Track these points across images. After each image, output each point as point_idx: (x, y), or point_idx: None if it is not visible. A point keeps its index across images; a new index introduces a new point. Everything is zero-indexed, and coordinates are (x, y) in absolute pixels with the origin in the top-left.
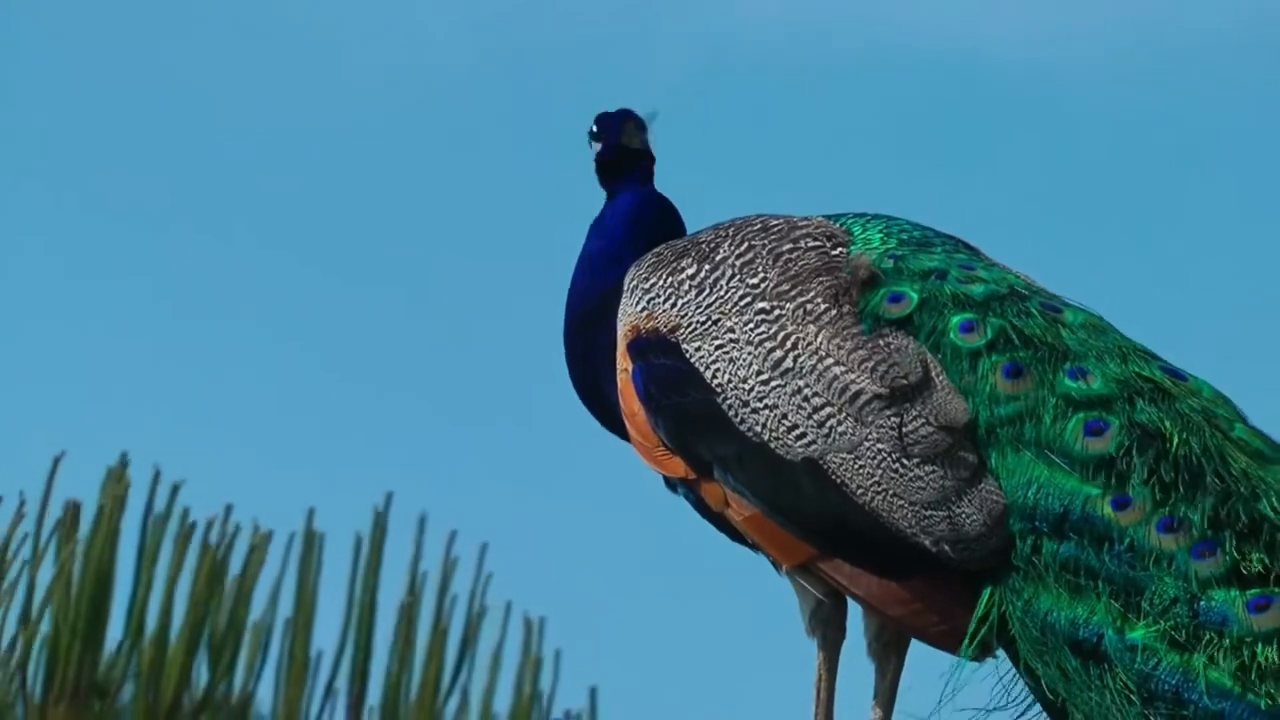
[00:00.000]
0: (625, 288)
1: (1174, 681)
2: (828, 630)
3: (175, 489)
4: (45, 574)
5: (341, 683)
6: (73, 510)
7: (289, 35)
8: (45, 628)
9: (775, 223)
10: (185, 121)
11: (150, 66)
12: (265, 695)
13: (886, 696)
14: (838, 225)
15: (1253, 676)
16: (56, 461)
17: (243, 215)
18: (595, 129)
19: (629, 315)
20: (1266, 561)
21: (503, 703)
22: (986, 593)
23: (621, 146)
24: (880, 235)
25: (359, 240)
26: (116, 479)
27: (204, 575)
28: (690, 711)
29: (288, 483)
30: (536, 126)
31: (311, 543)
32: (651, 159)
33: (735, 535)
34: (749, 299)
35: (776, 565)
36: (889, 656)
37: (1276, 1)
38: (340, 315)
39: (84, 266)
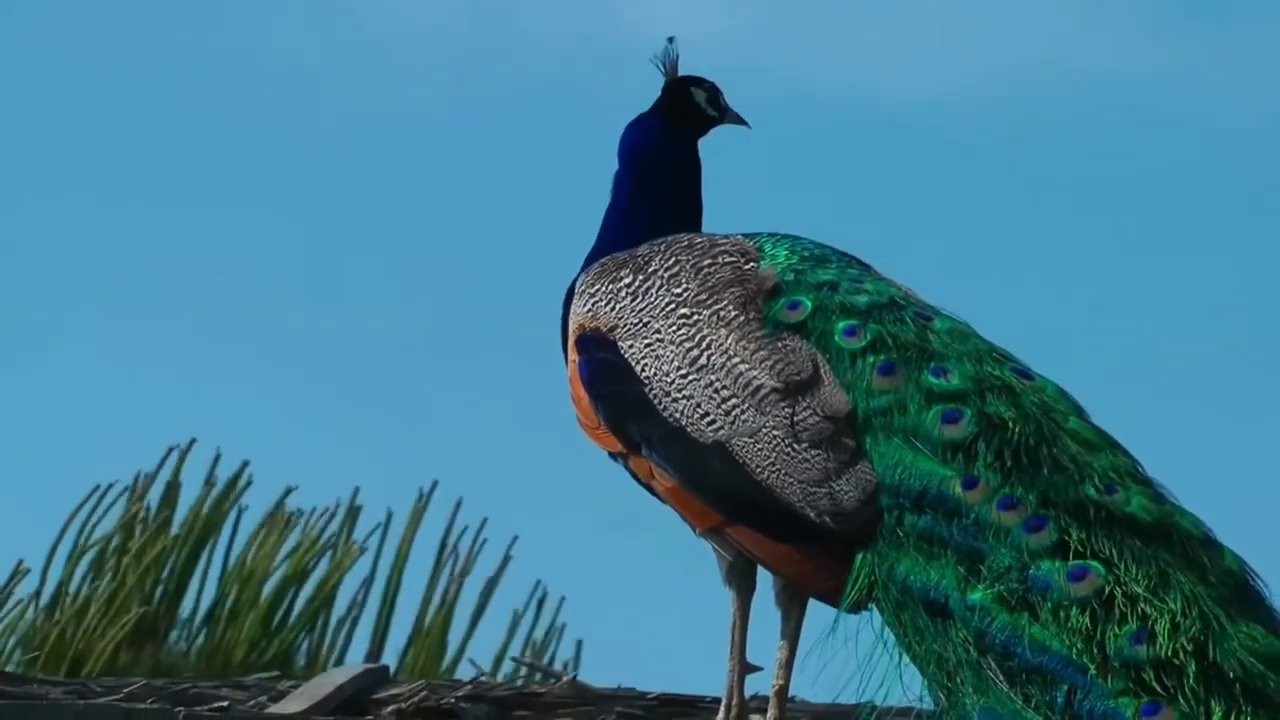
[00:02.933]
0: (576, 291)
1: (1003, 637)
2: (740, 583)
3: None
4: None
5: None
6: (143, 490)
7: (266, 74)
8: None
9: (699, 240)
10: (197, 135)
11: (153, 96)
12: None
13: (791, 636)
14: (751, 243)
15: (1067, 635)
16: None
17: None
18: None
19: (577, 315)
20: (1085, 538)
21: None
22: (860, 558)
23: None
24: (785, 252)
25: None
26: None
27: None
28: (627, 652)
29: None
30: (500, 156)
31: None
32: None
33: (662, 500)
34: (673, 305)
35: (693, 528)
36: (792, 605)
37: (1139, 45)
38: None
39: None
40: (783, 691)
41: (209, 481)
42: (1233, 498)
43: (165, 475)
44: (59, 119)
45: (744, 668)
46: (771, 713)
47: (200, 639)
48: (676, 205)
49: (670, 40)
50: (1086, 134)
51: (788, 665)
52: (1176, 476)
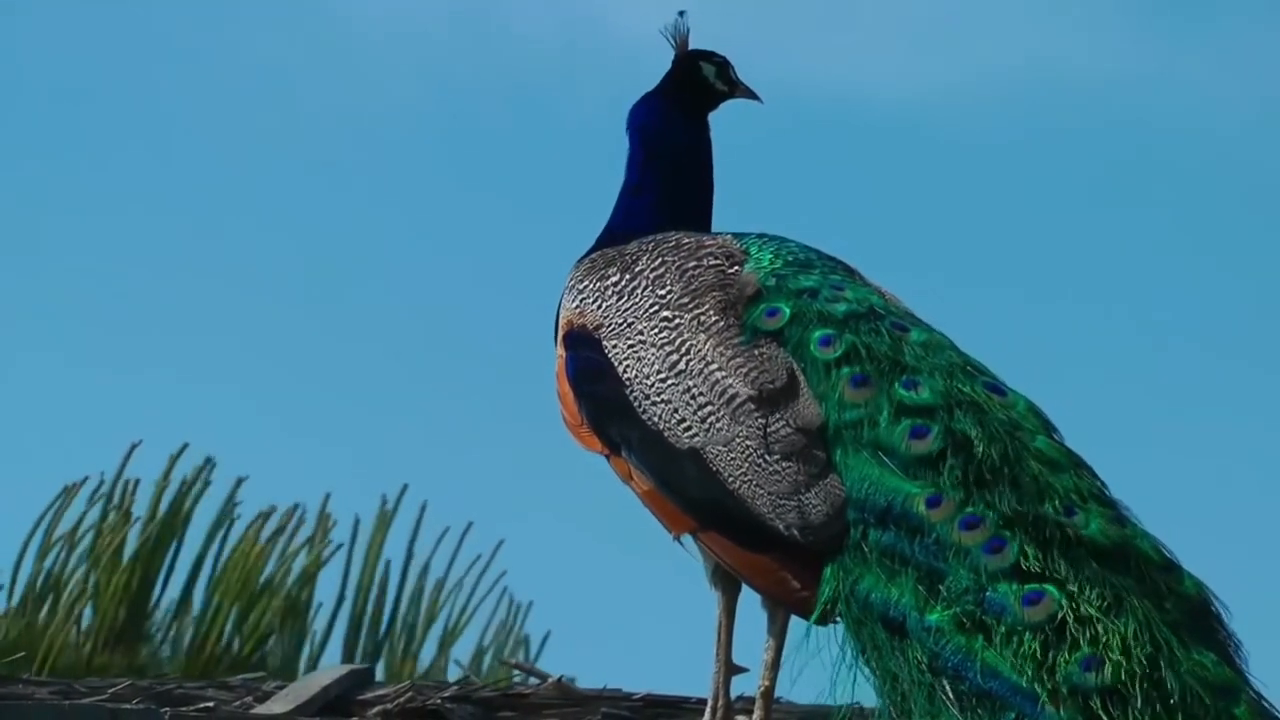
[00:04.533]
0: (566, 285)
1: (956, 660)
2: (726, 585)
3: (187, 466)
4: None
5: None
6: (130, 490)
7: (244, 79)
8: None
9: (687, 241)
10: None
11: (135, 98)
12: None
13: (777, 637)
14: (738, 245)
15: (1018, 660)
16: (133, 448)
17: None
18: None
19: (566, 310)
20: (1042, 559)
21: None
22: (828, 571)
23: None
24: (770, 255)
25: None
26: (167, 470)
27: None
28: (613, 653)
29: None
30: (475, 158)
31: (324, 523)
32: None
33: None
34: (656, 307)
35: (668, 531)
36: (778, 607)
37: (1123, 46)
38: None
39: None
40: (768, 692)
41: (180, 480)
42: (1200, 488)
43: (135, 475)
44: (40, 120)
45: (730, 668)
46: (757, 713)
47: (175, 639)
48: (685, 180)
49: (681, 14)
50: (1071, 134)
51: (774, 666)
52: (1148, 467)
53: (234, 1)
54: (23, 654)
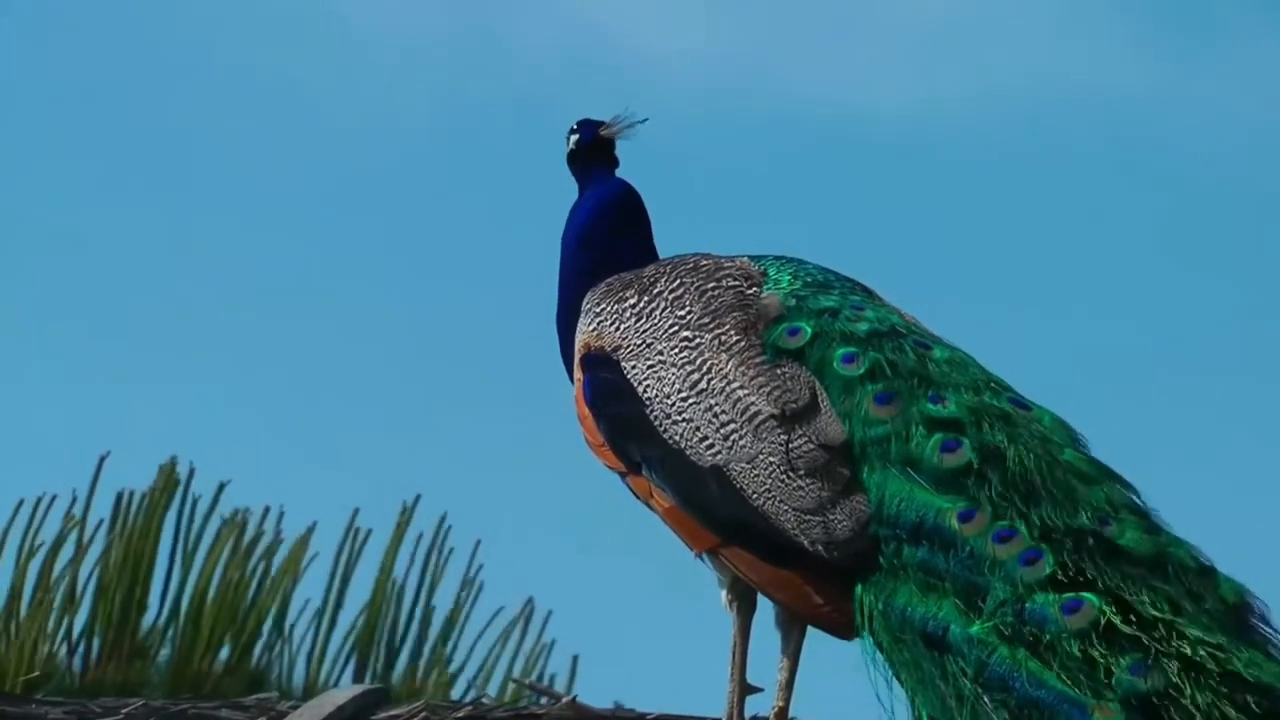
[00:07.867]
0: (582, 309)
1: (1002, 670)
2: (741, 604)
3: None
4: (91, 556)
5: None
6: (122, 501)
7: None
8: (89, 601)
9: (705, 263)
10: (195, 153)
11: (146, 110)
12: (271, 665)
13: (792, 658)
14: (756, 267)
15: (1064, 668)
16: (102, 460)
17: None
18: (575, 128)
19: (583, 333)
20: (1079, 566)
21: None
22: (858, 587)
23: (598, 139)
24: (789, 277)
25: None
26: (166, 474)
27: (229, 557)
28: (626, 672)
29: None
30: (480, 171)
31: (355, 536)
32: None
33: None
34: (676, 328)
35: (690, 549)
36: (792, 627)
37: (1125, 62)
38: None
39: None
40: (783, 713)
41: (170, 492)
42: (1201, 494)
43: (120, 487)
44: (39, 126)
45: (744, 689)
46: None
47: (171, 655)
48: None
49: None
50: (1076, 149)
51: (788, 687)
52: (1151, 480)
53: (242, 15)
54: (36, 674)
